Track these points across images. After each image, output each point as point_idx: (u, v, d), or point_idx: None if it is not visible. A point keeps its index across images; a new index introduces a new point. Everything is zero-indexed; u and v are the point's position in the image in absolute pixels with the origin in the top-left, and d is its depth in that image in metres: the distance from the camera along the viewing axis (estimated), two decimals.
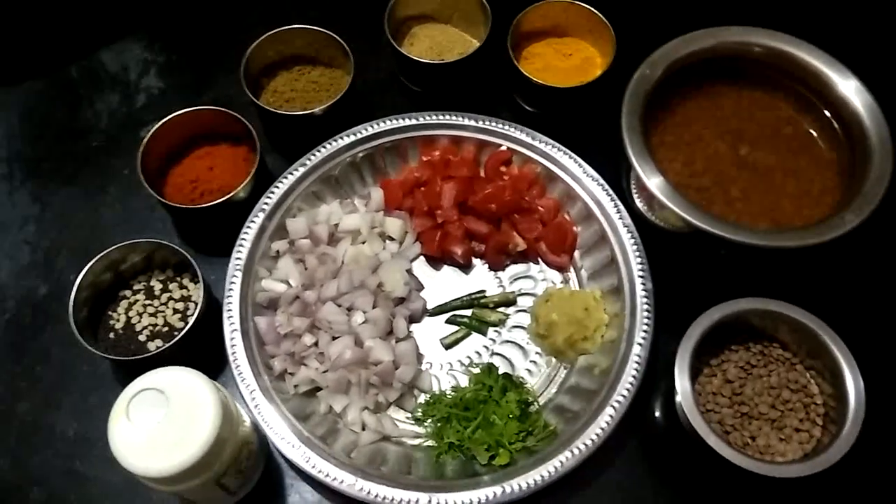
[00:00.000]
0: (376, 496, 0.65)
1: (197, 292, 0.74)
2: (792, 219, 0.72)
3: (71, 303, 0.69)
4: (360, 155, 0.80)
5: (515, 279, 0.79)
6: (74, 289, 0.70)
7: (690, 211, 0.67)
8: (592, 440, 0.66)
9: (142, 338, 0.72)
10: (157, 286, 0.75)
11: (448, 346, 0.76)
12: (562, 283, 0.78)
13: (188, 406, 0.55)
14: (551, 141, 0.79)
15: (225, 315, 0.72)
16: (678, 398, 0.64)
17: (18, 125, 0.88)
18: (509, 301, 0.77)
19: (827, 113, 0.75)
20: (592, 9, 0.83)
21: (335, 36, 0.82)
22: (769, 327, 0.68)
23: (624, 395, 0.68)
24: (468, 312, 0.77)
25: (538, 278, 0.79)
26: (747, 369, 0.68)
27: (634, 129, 0.70)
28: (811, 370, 0.67)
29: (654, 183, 0.68)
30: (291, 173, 0.78)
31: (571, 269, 0.79)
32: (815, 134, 0.76)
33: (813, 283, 0.76)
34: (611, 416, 0.67)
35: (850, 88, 0.73)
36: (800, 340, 0.67)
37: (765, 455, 0.64)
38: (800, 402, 0.66)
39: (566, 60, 0.85)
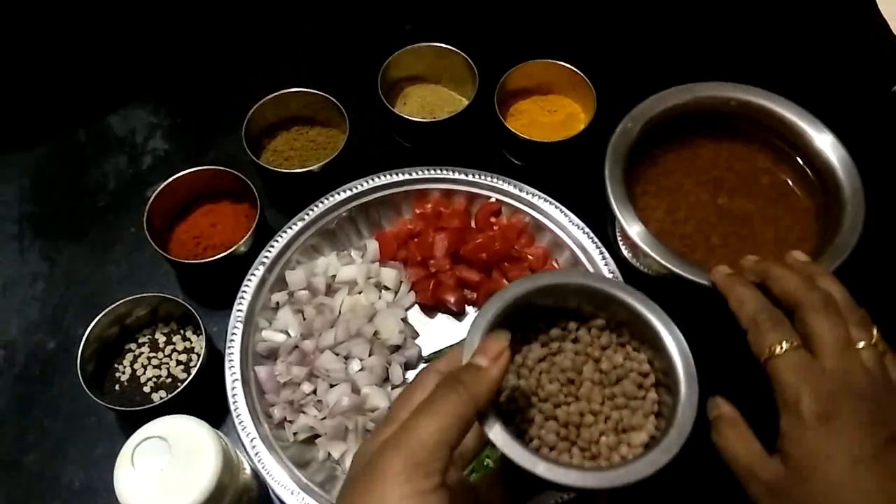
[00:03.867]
0: None
1: (199, 344, 0.77)
2: None
3: (79, 357, 0.72)
4: (356, 209, 0.83)
5: None
6: (82, 343, 0.72)
7: (671, 258, 0.69)
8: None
9: (146, 389, 0.75)
10: (162, 339, 0.78)
11: None
12: None
13: (190, 453, 0.57)
14: (538, 192, 0.82)
15: (227, 365, 0.74)
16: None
17: (29, 186, 0.92)
18: None
19: (802, 163, 0.77)
20: (573, 68, 0.87)
21: (331, 98, 0.86)
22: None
23: None
24: None
25: None
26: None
27: (617, 181, 0.73)
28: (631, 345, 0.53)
29: (636, 231, 0.71)
30: (290, 227, 0.81)
31: None
32: (791, 183, 0.78)
33: None
34: None
35: (825, 142, 0.75)
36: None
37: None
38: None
39: (550, 116, 0.89)
